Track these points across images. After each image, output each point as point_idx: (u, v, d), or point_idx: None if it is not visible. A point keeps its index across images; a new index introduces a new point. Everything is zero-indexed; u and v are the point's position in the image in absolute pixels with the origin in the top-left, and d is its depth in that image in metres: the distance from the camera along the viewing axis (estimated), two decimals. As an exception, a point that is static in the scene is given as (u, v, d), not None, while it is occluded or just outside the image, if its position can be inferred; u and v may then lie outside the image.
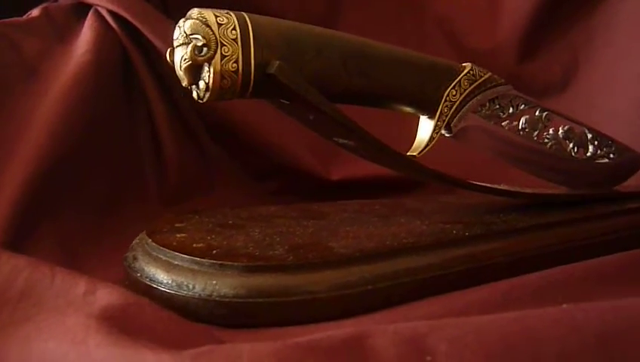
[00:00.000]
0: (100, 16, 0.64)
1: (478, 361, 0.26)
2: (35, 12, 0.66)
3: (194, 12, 0.39)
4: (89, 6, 0.66)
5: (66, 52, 0.62)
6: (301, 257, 0.37)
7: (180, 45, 0.39)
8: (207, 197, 0.64)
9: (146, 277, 0.38)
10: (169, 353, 0.25)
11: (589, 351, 0.28)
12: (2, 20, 0.63)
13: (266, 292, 0.36)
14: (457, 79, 0.49)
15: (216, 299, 0.35)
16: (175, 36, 0.39)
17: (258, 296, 0.35)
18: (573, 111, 0.72)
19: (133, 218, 0.56)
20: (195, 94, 0.40)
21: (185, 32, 0.38)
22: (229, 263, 0.36)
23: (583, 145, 0.57)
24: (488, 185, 0.50)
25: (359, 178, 0.66)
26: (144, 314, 0.30)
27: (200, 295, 0.36)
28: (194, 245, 0.39)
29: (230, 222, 0.44)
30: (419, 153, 0.48)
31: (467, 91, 0.49)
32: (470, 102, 0.50)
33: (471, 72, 0.49)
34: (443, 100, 0.48)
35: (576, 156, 0.57)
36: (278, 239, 0.41)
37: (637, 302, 0.30)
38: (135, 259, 0.39)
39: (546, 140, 0.55)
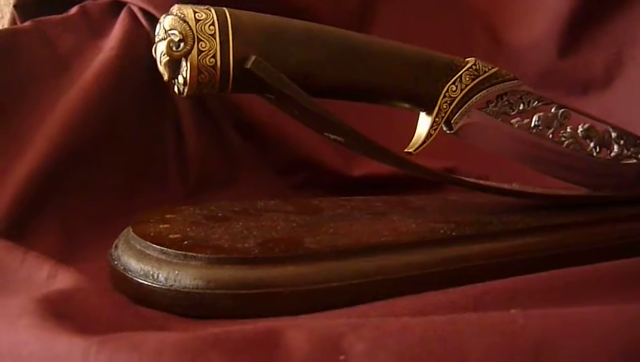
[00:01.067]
0: (132, 13, 0.67)
1: (392, 362, 0.25)
2: (73, 10, 0.69)
3: (174, 8, 0.40)
4: (123, 4, 0.69)
5: (97, 48, 0.64)
6: (267, 251, 0.38)
7: (159, 40, 0.40)
8: (229, 190, 0.65)
9: (121, 266, 0.39)
10: (82, 337, 0.26)
11: (518, 357, 0.26)
12: (41, 18, 0.67)
13: (224, 284, 0.36)
14: (458, 74, 0.47)
15: (177, 289, 0.36)
16: (156, 31, 0.40)
17: (216, 287, 0.36)
18: (614, 110, 0.69)
19: (152, 207, 0.57)
20: (175, 88, 0.41)
21: (164, 28, 0.39)
22: (192, 254, 0.37)
23: (606, 144, 0.54)
24: (486, 183, 0.49)
25: (380, 174, 0.65)
26: (87, 300, 0.31)
27: (163, 284, 0.37)
28: (170, 236, 0.40)
29: (220, 214, 0.45)
30: (415, 150, 0.47)
31: (469, 87, 0.48)
32: (473, 99, 0.48)
33: (473, 67, 0.48)
34: (442, 96, 0.47)
35: (599, 156, 0.54)
36: (255, 233, 0.41)
37: (581, 311, 0.29)
38: (116, 247, 0.41)
39: (563, 139, 0.52)
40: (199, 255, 0.37)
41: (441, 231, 0.43)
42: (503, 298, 0.38)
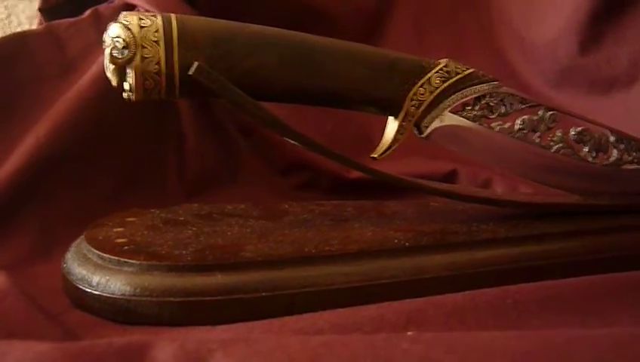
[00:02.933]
0: (139, 16, 0.68)
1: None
2: (86, 13, 0.71)
3: (121, 15, 0.41)
4: (133, 6, 0.70)
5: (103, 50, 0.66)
6: (199, 259, 0.38)
7: (105, 48, 0.40)
8: (229, 190, 0.65)
9: (66, 268, 0.40)
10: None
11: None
12: (54, 21, 0.70)
13: (150, 292, 0.36)
14: (426, 76, 0.46)
15: (107, 294, 0.37)
16: (104, 39, 0.41)
17: (142, 294, 0.36)
18: (639, 109, 0.65)
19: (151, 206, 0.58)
20: (125, 95, 0.41)
21: (110, 35, 0.40)
22: (125, 260, 0.37)
23: (603, 149, 0.51)
24: (453, 189, 0.47)
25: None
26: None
27: (95, 289, 0.37)
28: (116, 240, 0.41)
29: (181, 218, 0.45)
30: (380, 155, 0.46)
31: (439, 89, 0.46)
32: (446, 101, 0.47)
33: (444, 69, 0.46)
34: (409, 99, 0.45)
35: (595, 161, 0.50)
36: (201, 239, 0.41)
37: (485, 337, 0.27)
38: (69, 249, 0.42)
39: (552, 143, 0.49)
40: (131, 261, 0.37)
41: (395, 241, 0.42)
42: (440, 314, 0.36)
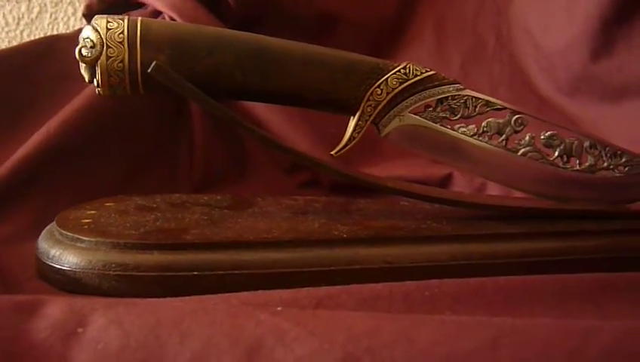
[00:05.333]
0: (163, 21, 0.73)
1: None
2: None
3: (94, 18, 0.46)
4: (159, 13, 0.76)
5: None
6: (142, 239, 0.41)
7: (77, 47, 0.45)
8: (236, 187, 0.69)
9: (37, 244, 0.45)
10: None
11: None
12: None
13: (94, 265, 0.40)
14: (383, 78, 0.48)
15: (59, 266, 0.41)
16: (78, 39, 0.46)
17: (87, 267, 0.41)
18: None
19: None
20: (97, 90, 0.46)
21: (82, 36, 0.45)
22: (78, 236, 0.42)
23: (576, 154, 0.51)
24: (419, 190, 0.49)
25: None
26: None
27: (51, 262, 0.42)
28: (82, 220, 0.45)
29: (154, 206, 0.50)
30: (336, 153, 0.48)
31: (396, 90, 0.48)
32: (405, 102, 0.48)
33: (402, 71, 0.48)
34: (365, 99, 0.47)
35: (566, 166, 0.51)
36: (158, 223, 0.45)
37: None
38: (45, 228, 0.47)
39: (519, 147, 0.50)
40: (82, 238, 0.42)
41: (335, 233, 0.44)
42: (351, 301, 0.38)
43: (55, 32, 0.97)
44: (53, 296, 0.35)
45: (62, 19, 0.99)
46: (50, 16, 0.99)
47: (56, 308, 0.30)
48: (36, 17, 0.99)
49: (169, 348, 0.28)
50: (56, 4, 0.98)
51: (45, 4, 0.97)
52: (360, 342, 0.28)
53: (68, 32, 0.76)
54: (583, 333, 0.28)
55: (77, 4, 0.98)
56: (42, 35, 0.94)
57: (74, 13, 0.98)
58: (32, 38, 0.96)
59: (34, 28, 0.99)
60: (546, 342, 0.28)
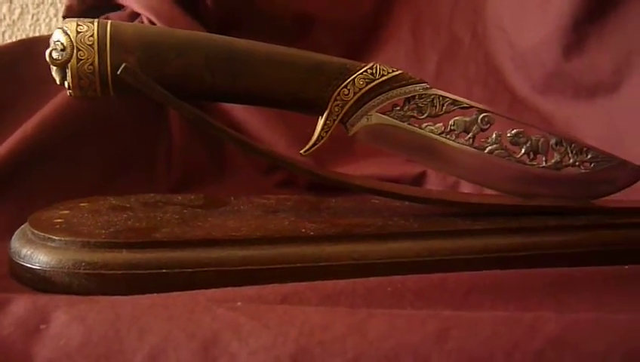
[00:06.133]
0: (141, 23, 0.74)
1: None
2: (97, 21, 0.78)
3: (64, 22, 0.46)
4: (138, 15, 0.76)
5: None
6: (111, 237, 0.42)
7: (47, 50, 0.46)
8: (214, 187, 0.70)
9: (11, 244, 0.46)
10: None
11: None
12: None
13: (63, 264, 0.41)
14: (350, 78, 0.48)
15: (29, 265, 0.42)
16: (49, 42, 0.47)
17: (56, 266, 0.41)
18: (622, 115, 0.65)
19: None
20: (68, 92, 0.47)
21: (52, 40, 0.46)
22: (48, 236, 0.43)
23: (542, 151, 0.52)
24: (390, 188, 0.50)
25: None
26: None
27: (22, 261, 0.43)
28: (55, 220, 0.46)
29: (127, 205, 0.50)
30: (305, 152, 0.49)
31: (363, 90, 0.49)
32: (372, 102, 0.49)
33: (369, 71, 0.49)
34: (332, 99, 0.48)
35: (532, 163, 0.52)
36: (129, 222, 0.46)
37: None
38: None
39: (486, 144, 0.51)
40: (53, 237, 0.42)
41: (302, 231, 0.45)
42: (315, 297, 0.39)
43: (37, 34, 0.98)
44: (21, 294, 0.36)
45: (44, 20, 1.00)
46: (32, 17, 0.99)
47: (20, 306, 0.31)
48: (18, 19, 0.99)
49: (128, 343, 0.29)
50: (38, 6, 0.98)
51: (27, 6, 0.98)
52: (313, 336, 0.29)
53: (48, 34, 0.77)
54: (529, 324, 0.29)
55: (59, 6, 0.98)
56: (24, 37, 0.94)
57: (56, 15, 0.99)
58: (14, 39, 0.96)
59: (15, 29, 0.99)
60: (493, 333, 0.29)
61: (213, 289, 0.39)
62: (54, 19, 1.01)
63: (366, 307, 0.38)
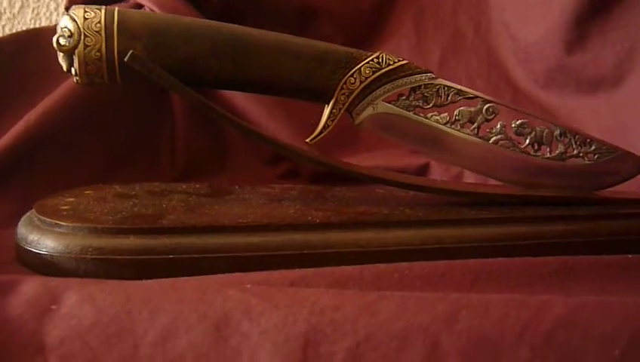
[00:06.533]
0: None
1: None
2: (102, 13, 0.78)
3: (71, 8, 0.46)
4: (141, 6, 0.76)
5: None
6: (117, 224, 0.42)
7: (55, 36, 0.46)
8: (216, 178, 0.70)
9: (17, 230, 0.46)
10: None
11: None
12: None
13: (70, 249, 0.41)
14: (357, 67, 0.49)
15: (36, 250, 0.42)
16: (56, 28, 0.47)
17: (64, 251, 0.41)
18: (625, 109, 0.65)
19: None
20: (74, 79, 0.47)
21: (60, 26, 0.46)
22: (55, 222, 0.43)
23: (546, 142, 0.52)
24: (398, 178, 0.50)
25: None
26: None
27: (29, 246, 0.43)
28: (61, 207, 0.46)
29: (132, 193, 0.50)
30: (311, 140, 0.49)
31: (369, 79, 0.49)
32: (378, 91, 0.49)
33: (375, 60, 0.49)
34: (339, 88, 0.48)
35: (537, 154, 0.52)
36: (135, 209, 0.46)
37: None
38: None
39: (491, 135, 0.51)
40: (60, 223, 0.42)
41: (308, 218, 0.45)
42: (323, 282, 0.39)
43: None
44: (31, 276, 0.36)
45: (44, 14, 1.00)
46: (33, 11, 0.99)
47: (30, 287, 0.31)
48: (18, 12, 0.99)
49: (139, 322, 0.29)
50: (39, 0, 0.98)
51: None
52: (324, 316, 0.29)
53: (52, 24, 0.77)
54: (537, 306, 0.29)
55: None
56: (24, 30, 0.94)
57: (56, 9, 0.99)
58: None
59: (16, 23, 0.99)
60: (503, 314, 0.29)
61: (220, 275, 0.39)
62: (55, 13, 1.00)
63: (376, 291, 0.38)
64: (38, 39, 0.70)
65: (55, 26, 0.73)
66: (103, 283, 0.33)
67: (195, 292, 0.30)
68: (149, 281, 0.35)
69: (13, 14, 1.00)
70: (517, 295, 0.32)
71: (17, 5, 0.99)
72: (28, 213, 0.47)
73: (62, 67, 0.68)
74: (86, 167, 0.63)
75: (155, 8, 0.72)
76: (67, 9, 0.82)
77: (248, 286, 0.32)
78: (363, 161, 0.69)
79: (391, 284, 0.39)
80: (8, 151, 0.57)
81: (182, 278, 0.37)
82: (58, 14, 0.99)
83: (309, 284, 0.38)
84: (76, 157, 0.62)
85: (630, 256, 0.44)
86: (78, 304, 0.30)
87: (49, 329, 0.29)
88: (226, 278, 0.38)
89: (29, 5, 1.00)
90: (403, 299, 0.30)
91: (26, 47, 0.68)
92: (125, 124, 0.67)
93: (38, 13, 1.00)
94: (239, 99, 0.68)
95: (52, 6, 0.99)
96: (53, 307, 0.30)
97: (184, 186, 0.53)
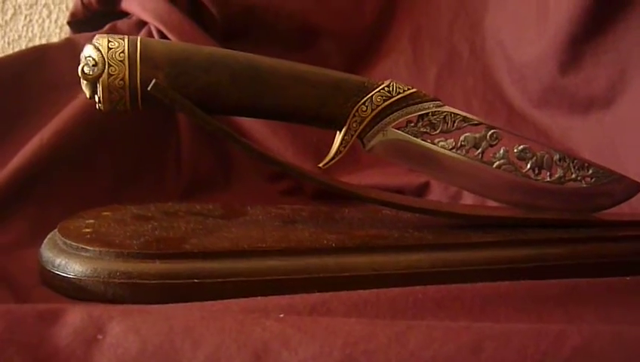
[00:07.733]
0: (149, 32, 0.76)
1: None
2: (105, 27, 0.79)
3: (95, 38, 0.48)
4: (145, 23, 0.78)
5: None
6: (142, 248, 0.44)
7: (80, 65, 0.47)
8: (222, 194, 0.72)
9: (40, 250, 0.47)
10: None
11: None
12: (74, 35, 0.78)
13: (98, 273, 0.43)
14: (368, 95, 0.51)
15: (63, 274, 0.44)
16: (80, 57, 0.48)
17: (92, 275, 0.43)
18: (617, 130, 0.68)
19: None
20: (97, 105, 0.49)
21: (84, 55, 0.47)
22: (82, 246, 0.44)
23: (546, 166, 0.54)
24: (395, 199, 0.52)
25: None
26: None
27: (57, 270, 0.44)
28: (83, 230, 0.48)
29: (149, 215, 0.52)
30: (324, 165, 0.51)
31: (380, 107, 0.51)
32: (388, 118, 0.51)
33: (386, 89, 0.51)
34: (351, 115, 0.50)
35: (537, 178, 0.54)
36: (156, 232, 0.47)
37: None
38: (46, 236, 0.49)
39: (494, 160, 0.53)
40: (87, 247, 0.44)
41: (324, 242, 0.47)
42: (342, 307, 0.41)
43: (30, 35, 0.98)
44: (68, 304, 0.37)
45: (37, 21, 1.00)
46: (25, 18, 1.00)
47: (76, 316, 0.33)
48: (10, 19, 1.00)
49: (183, 353, 0.31)
50: (31, 7, 0.99)
51: (20, 7, 0.98)
52: (357, 346, 0.31)
53: (56, 41, 0.78)
54: (555, 336, 0.31)
55: (52, 7, 0.99)
56: (16, 38, 0.95)
57: (49, 16, 1.00)
58: (6, 40, 0.97)
59: (8, 30, 1.00)
60: (523, 345, 0.31)
61: (245, 299, 0.41)
62: (47, 21, 1.01)
63: (391, 316, 0.40)
64: (44, 56, 0.71)
65: (62, 42, 0.75)
66: (145, 311, 0.34)
67: (235, 323, 0.32)
68: (187, 307, 0.36)
69: (5, 21, 1.00)
70: (535, 325, 0.34)
71: (9, 13, 1.00)
72: (50, 235, 0.48)
73: (69, 84, 0.70)
74: (96, 185, 0.64)
75: (159, 26, 0.74)
76: (69, 23, 0.83)
77: (281, 315, 0.34)
78: (363, 178, 0.71)
79: (406, 308, 0.41)
80: (24, 169, 0.58)
81: (212, 303, 0.39)
82: (51, 21, 1.00)
83: (329, 309, 0.40)
84: (88, 175, 0.64)
85: (628, 278, 0.47)
86: (123, 334, 0.32)
87: (97, 359, 0.31)
88: (250, 303, 0.40)
89: (21, 12, 1.00)
90: (429, 329, 0.32)
91: (33, 64, 0.69)
92: (133, 144, 0.69)
93: (30, 21, 1.01)
94: (245, 119, 0.69)
95: (44, 13, 1.00)
96: (99, 337, 0.32)
97: (198, 207, 0.54)
